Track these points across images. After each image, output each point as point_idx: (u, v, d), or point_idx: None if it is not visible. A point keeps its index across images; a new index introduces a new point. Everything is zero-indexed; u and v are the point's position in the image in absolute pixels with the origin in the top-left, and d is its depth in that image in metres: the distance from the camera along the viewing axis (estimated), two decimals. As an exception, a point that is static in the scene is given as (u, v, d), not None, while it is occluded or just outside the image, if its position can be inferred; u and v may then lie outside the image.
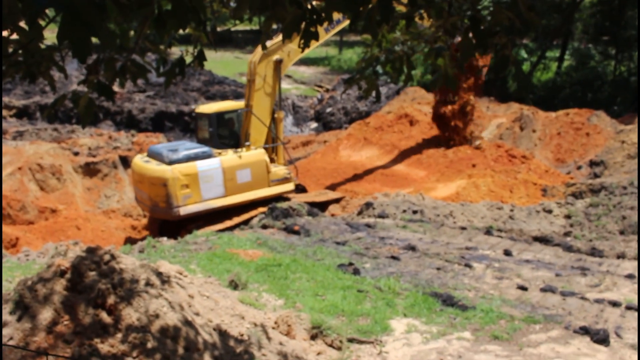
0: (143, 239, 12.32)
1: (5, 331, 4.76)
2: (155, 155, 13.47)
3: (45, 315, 4.75)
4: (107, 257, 5.11)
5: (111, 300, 4.78)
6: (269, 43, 14.62)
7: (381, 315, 7.14)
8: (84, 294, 4.86)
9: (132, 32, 3.68)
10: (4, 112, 28.57)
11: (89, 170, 18.94)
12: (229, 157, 13.74)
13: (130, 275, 5.05)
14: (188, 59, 3.87)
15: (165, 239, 11.32)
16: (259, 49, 14.70)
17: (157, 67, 3.80)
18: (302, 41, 3.45)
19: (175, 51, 22.00)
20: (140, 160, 13.82)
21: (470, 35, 3.46)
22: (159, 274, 5.42)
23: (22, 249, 10.37)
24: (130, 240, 14.11)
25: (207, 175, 13.08)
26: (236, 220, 13.69)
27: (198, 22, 3.11)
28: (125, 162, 19.35)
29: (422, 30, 4.71)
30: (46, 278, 4.97)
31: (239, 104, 15.27)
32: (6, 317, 4.95)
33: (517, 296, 8.02)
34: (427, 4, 3.75)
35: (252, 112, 14.42)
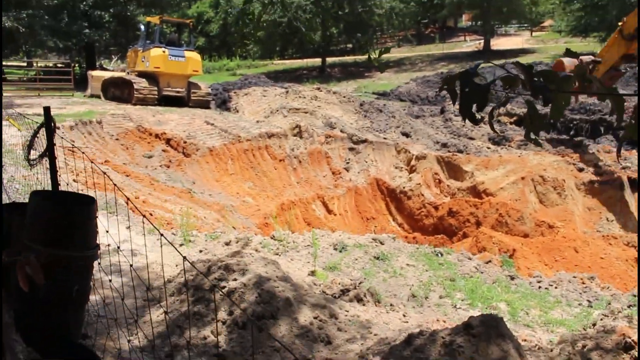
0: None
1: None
2: None
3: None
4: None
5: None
6: None
7: None
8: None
9: None
10: (505, 119, 28.91)
11: (593, 189, 17.63)
12: None
13: None
14: None
15: None
16: None
17: None
18: None
19: None
20: None
21: None
22: None
23: (533, 272, 9.72)
24: None
25: None
26: None
27: None
28: (634, 184, 17.36)
29: None
30: (604, 347, 4.03)
31: None
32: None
33: None
34: None
35: None
